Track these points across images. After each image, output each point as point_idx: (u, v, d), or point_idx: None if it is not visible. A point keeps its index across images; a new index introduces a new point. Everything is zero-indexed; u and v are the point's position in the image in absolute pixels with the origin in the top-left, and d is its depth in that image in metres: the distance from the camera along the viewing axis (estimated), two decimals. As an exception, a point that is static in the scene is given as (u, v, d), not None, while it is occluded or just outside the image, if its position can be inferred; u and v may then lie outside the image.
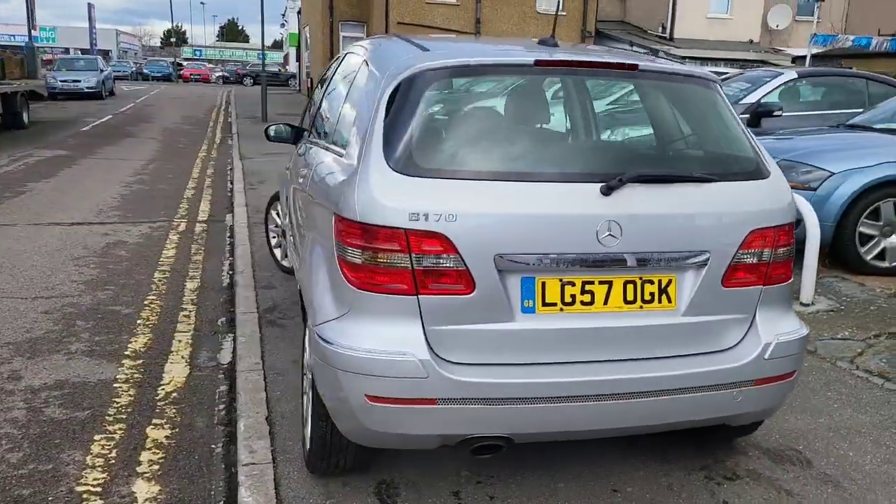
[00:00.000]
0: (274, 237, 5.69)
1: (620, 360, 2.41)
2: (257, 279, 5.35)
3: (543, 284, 2.34)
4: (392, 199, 2.25)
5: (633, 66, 2.52)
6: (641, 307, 2.42)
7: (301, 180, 3.27)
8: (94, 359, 4.11)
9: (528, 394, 2.29)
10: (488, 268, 2.27)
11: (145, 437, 3.28)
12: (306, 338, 2.89)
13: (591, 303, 2.38)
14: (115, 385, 3.80)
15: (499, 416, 2.30)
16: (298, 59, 43.23)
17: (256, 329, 4.33)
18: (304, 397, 2.99)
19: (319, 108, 3.83)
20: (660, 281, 2.43)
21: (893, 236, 5.58)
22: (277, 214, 5.56)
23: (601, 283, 2.38)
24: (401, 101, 2.40)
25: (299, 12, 41.02)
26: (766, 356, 2.49)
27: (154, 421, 3.44)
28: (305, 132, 4.43)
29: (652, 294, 2.42)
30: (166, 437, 3.30)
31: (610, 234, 2.31)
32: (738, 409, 2.53)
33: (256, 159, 12.35)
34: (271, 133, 4.69)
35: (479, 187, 2.29)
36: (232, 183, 10.56)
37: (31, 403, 3.53)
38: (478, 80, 2.57)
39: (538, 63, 2.45)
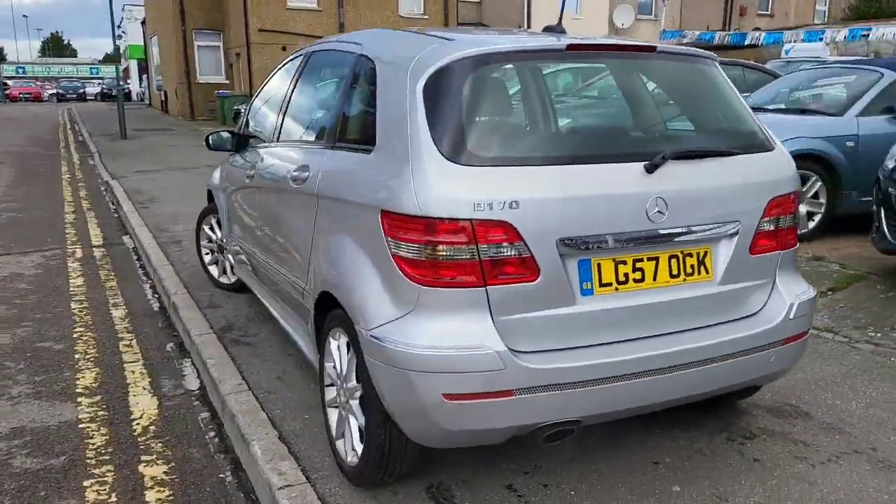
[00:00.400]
0: (207, 253, 5.36)
1: (671, 332, 2.48)
2: (197, 299, 5.02)
3: (599, 265, 2.37)
4: (454, 190, 2.19)
5: (652, 48, 2.61)
6: (685, 280, 2.50)
7: (293, 184, 3.10)
8: (43, 400, 3.70)
9: (598, 375, 2.30)
10: (551, 252, 2.27)
11: (141, 476, 3.00)
12: (331, 346, 2.76)
13: (642, 280, 2.43)
14: (80, 426, 3.44)
15: (572, 401, 2.30)
16: (146, 71, 40.89)
17: (222, 350, 4.06)
18: (331, 410, 2.85)
19: (286, 111, 3.63)
20: (698, 253, 2.52)
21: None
22: (211, 230, 5.24)
23: (649, 259, 2.44)
24: (441, 91, 2.34)
25: (143, 22, 38.80)
26: (791, 316, 2.65)
27: (143, 458, 3.15)
28: (254, 139, 4.24)
29: (692, 267, 2.51)
30: (165, 473, 3.03)
31: (658, 211, 2.38)
32: (771, 368, 2.68)
33: (131, 178, 11.58)
34: (212, 141, 4.44)
35: (536, 172, 2.28)
36: (115, 204, 9.86)
37: (-7, 457, 3.13)
38: (512, 66, 2.55)
39: (570, 48, 2.47)
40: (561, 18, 3.04)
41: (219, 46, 28.85)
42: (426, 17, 27.42)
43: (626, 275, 2.41)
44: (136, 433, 3.38)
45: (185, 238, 7.01)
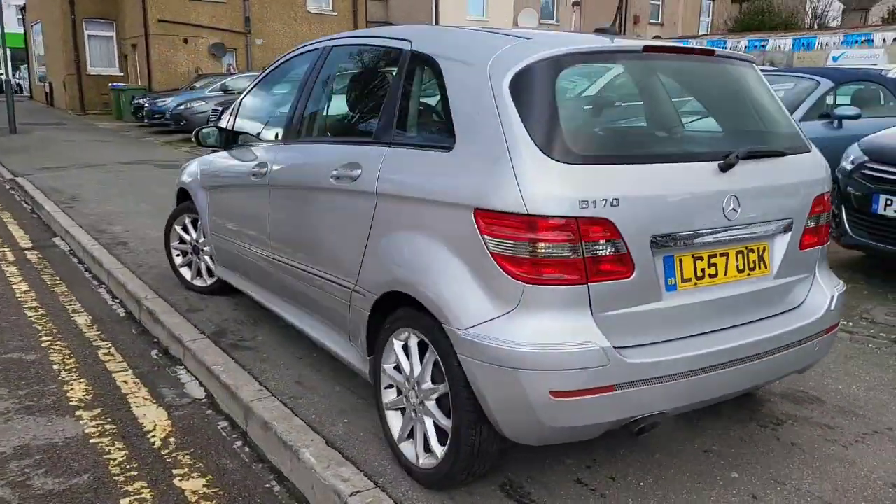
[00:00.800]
0: (178, 255, 5.09)
1: (741, 324, 2.60)
2: (172, 303, 4.76)
3: (681, 261, 2.45)
4: (560, 188, 2.21)
5: (712, 52, 2.73)
6: (748, 275, 2.62)
7: (336, 183, 3.00)
8: (38, 415, 3.42)
9: (688, 367, 2.38)
10: (644, 249, 2.33)
11: (182, 491, 2.83)
12: (395, 346, 2.71)
13: (716, 275, 2.53)
14: (91, 441, 3.20)
15: (665, 393, 2.36)
16: (27, 62, 38.09)
17: (225, 356, 3.88)
18: (391, 413, 2.80)
19: (307, 107, 3.49)
20: (759, 248, 2.65)
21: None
22: (185, 230, 4.99)
23: (721, 255, 2.54)
24: (532, 89, 2.35)
25: (23, 8, 36.12)
26: (832, 308, 2.83)
27: (174, 472, 2.97)
28: (245, 135, 4.09)
29: (754, 262, 2.64)
30: (205, 486, 2.88)
31: (733, 208, 2.49)
32: (815, 357, 2.85)
33: (39, 176, 10.83)
34: (202, 137, 4.26)
35: (632, 170, 2.33)
36: (30, 203, 9.19)
37: (8, 478, 2.86)
38: (593, 66, 2.58)
39: (646, 49, 2.54)
40: (616, 21, 3.10)
41: (112, 37, 27.34)
42: (334, 13, 27.09)
43: (702, 270, 2.50)
44: (156, 446, 3.18)
45: (129, 240, 6.63)
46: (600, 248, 2.25)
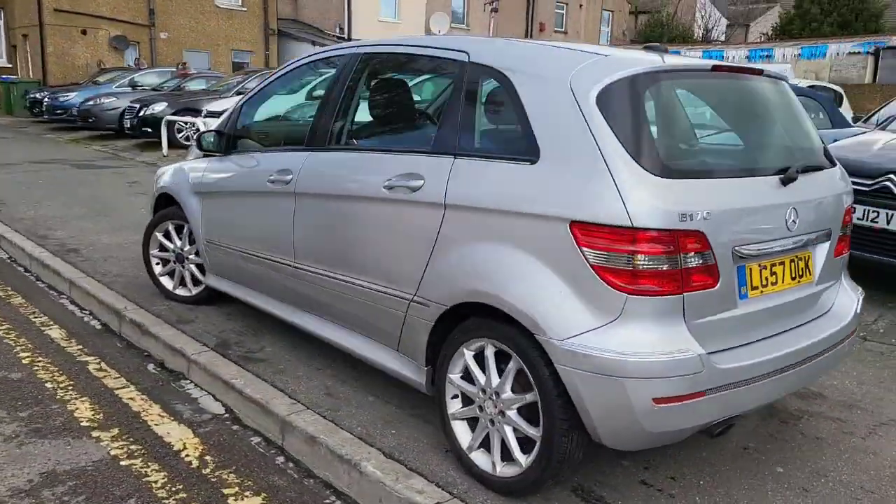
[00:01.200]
0: (158, 263, 4.85)
1: (790, 329, 2.77)
2: (158, 314, 4.53)
3: (751, 270, 2.60)
4: (662, 202, 2.30)
5: (760, 71, 2.91)
6: (798, 282, 2.81)
7: (390, 193, 2.97)
8: (51, 438, 3.19)
9: (764, 370, 2.53)
10: (727, 260, 2.46)
11: (242, 512, 2.73)
12: (466, 357, 2.72)
13: (776, 283, 2.70)
14: (122, 463, 3.03)
15: (746, 396, 2.50)
16: None
17: (240, 368, 3.74)
18: (457, 423, 2.81)
19: (343, 115, 3.41)
20: (805, 257, 2.84)
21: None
22: (167, 237, 4.76)
23: (779, 263, 2.71)
24: (621, 105, 2.43)
25: None
26: (858, 311, 3.07)
27: (225, 491, 2.86)
28: (244, 139, 3.99)
29: (802, 269, 2.83)
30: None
31: (793, 220, 2.66)
32: (844, 357, 3.08)
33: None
34: (205, 142, 4.12)
35: (717, 184, 2.46)
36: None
37: (49, 508, 2.67)
38: (669, 84, 2.68)
39: (715, 68, 2.68)
40: (661, 39, 3.22)
41: (-1, 26, 25.46)
42: (244, 9, 26.36)
43: (765, 278, 2.66)
44: (193, 465, 3.04)
45: (78, 246, 6.24)
46: (694, 259, 2.36)
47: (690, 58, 2.87)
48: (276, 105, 4.07)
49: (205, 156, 4.39)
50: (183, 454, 3.14)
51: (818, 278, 2.90)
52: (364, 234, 3.18)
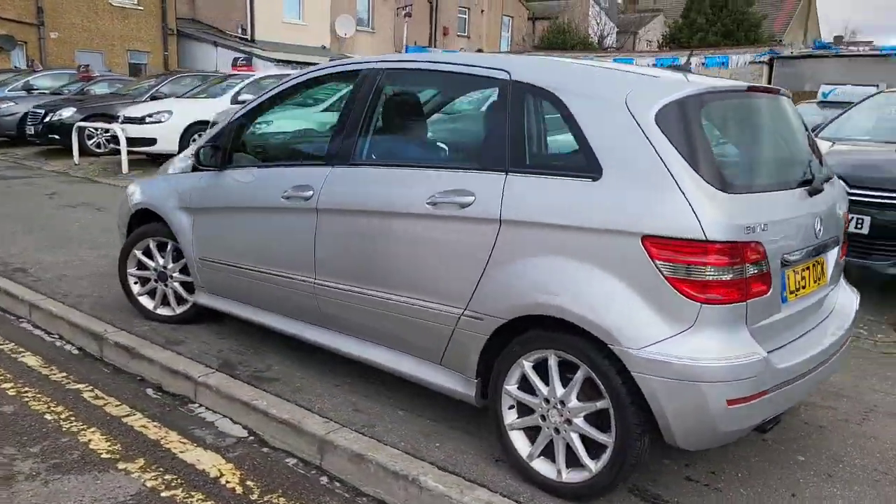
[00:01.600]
0: (137, 283, 4.63)
1: (813, 328, 3.01)
2: (142, 336, 4.34)
3: (789, 276, 2.81)
4: (730, 216, 2.46)
5: (777, 91, 3.14)
6: (818, 284, 3.05)
7: (437, 210, 2.99)
8: (76, 474, 3.03)
9: (807, 368, 2.75)
10: (777, 268, 2.66)
11: (307, 536, 2.69)
12: (525, 368, 2.81)
13: (805, 286, 2.93)
14: (163, 494, 2.92)
15: (794, 392, 2.72)
16: None
17: (258, 390, 3.65)
18: (515, 433, 2.89)
19: (368, 131, 3.39)
20: (822, 261, 3.10)
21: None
22: (147, 255, 4.55)
23: (806, 268, 2.94)
24: (681, 123, 2.58)
25: None
26: (857, 308, 3.36)
27: (282, 517, 2.81)
28: (239, 154, 3.92)
29: (819, 273, 3.08)
30: (326, 527, 2.75)
31: (820, 228, 2.90)
32: (847, 353, 3.36)
33: None
34: (202, 157, 3.99)
35: (771, 198, 2.66)
36: None
37: (107, 548, 2.54)
38: (717, 104, 2.84)
39: (750, 89, 2.88)
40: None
41: None
42: (140, 8, 25.30)
43: (797, 282, 2.88)
44: (239, 492, 2.96)
45: (25, 266, 5.85)
46: (754, 268, 2.54)
47: (720, 78, 3.08)
48: (287, 120, 3.97)
49: (193, 170, 4.24)
50: (222, 481, 3.04)
51: (830, 280, 3.17)
52: (401, 249, 3.18)
